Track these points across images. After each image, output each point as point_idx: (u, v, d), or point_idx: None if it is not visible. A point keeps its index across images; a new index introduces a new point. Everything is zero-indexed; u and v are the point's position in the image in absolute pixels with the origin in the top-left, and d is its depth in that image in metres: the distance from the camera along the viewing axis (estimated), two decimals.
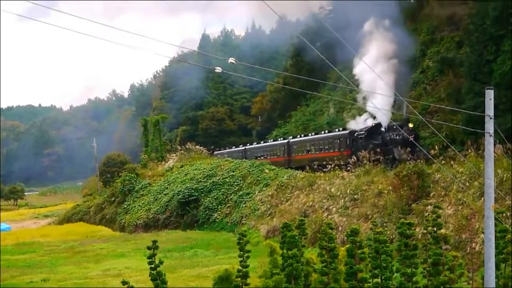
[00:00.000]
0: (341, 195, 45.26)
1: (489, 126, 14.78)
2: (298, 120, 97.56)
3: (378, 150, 51.47)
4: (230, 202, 61.28)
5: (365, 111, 62.45)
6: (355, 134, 58.01)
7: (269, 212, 53.42)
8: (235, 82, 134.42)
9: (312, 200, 48.11)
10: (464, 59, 59.34)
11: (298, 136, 75.32)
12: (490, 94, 14.86)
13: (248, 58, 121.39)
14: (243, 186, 62.13)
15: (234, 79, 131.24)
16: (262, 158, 78.79)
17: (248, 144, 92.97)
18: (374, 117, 58.46)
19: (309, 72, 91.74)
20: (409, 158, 47.29)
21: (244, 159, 77.13)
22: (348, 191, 45.09)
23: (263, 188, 59.01)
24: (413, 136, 49.08)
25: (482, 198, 24.99)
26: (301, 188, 52.79)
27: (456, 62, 62.33)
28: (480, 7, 55.28)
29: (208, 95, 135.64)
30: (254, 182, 61.76)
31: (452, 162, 39.79)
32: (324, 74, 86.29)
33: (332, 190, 47.19)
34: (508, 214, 28.51)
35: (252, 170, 64.29)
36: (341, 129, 64.26)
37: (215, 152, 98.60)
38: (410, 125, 51.61)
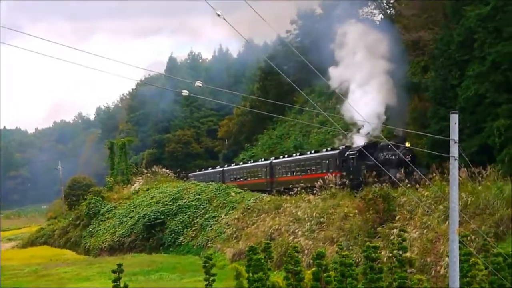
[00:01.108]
0: (307, 218, 45.28)
1: (454, 150, 14.90)
2: (265, 144, 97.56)
3: (372, 171, 48.22)
4: (196, 225, 61.08)
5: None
6: (346, 154, 54.16)
7: (235, 235, 53.31)
8: (202, 105, 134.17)
9: (278, 223, 48.07)
10: (429, 83, 59.84)
11: (281, 156, 72.01)
12: (455, 119, 15.00)
13: (215, 81, 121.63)
14: (209, 209, 61.97)
15: (201, 102, 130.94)
16: (241, 180, 76.46)
17: (226, 166, 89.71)
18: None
19: (276, 96, 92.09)
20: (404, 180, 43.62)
21: (221, 182, 77.11)
22: (314, 214, 45.14)
23: (229, 211, 58.88)
24: (410, 156, 46.74)
25: (447, 222, 25.13)
26: (267, 211, 52.74)
27: (422, 87, 62.89)
28: (445, 33, 55.92)
29: (175, 118, 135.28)
30: (221, 205, 61.65)
31: (417, 185, 40.02)
32: (291, 97, 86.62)
33: (299, 213, 47.18)
34: (473, 237, 28.69)
35: (219, 193, 64.16)
36: (329, 148, 60.76)
37: (190, 174, 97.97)
38: (407, 144, 47.91)
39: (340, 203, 44.90)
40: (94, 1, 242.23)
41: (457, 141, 15.00)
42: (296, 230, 44.71)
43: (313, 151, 64.39)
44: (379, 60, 59.57)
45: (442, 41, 56.27)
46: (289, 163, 65.71)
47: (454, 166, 14.86)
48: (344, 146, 57.19)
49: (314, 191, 51.05)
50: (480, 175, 35.99)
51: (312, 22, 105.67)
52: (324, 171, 56.24)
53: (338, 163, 54.76)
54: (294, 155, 67.69)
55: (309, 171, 60.13)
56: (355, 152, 52.62)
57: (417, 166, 43.45)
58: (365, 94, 57.38)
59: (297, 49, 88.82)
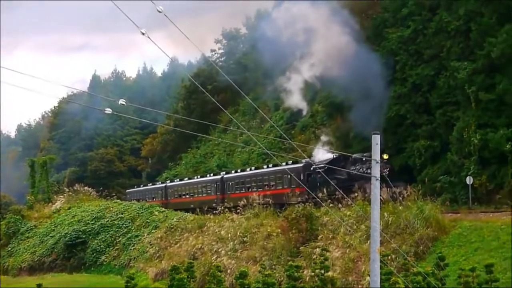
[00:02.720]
0: (230, 238, 45.17)
1: (376, 170, 15.03)
2: (189, 162, 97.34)
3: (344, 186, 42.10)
4: (118, 244, 60.38)
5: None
6: (312, 168, 49.06)
7: (158, 254, 52.89)
8: (126, 123, 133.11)
9: (201, 242, 47.87)
10: (352, 104, 60.64)
11: (233, 171, 66.76)
12: (376, 139, 15.12)
13: (139, 99, 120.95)
14: (132, 229, 61.36)
15: (124, 121, 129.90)
16: (187, 197, 71.64)
17: (168, 181, 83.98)
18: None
19: (200, 115, 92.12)
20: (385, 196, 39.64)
21: (164, 199, 75.64)
22: (237, 233, 45.05)
23: (152, 230, 58.39)
24: (387, 170, 41.64)
25: (368, 241, 25.37)
26: (191, 230, 52.48)
27: (344, 107, 63.60)
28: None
29: (98, 136, 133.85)
30: (143, 224, 61.08)
31: (340, 205, 40.33)
32: (215, 116, 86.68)
33: (222, 232, 47.02)
34: (393, 256, 29.03)
35: (142, 212, 63.57)
36: (290, 162, 54.46)
37: (128, 191, 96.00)
38: (385, 157, 41.71)
39: (264, 222, 44.91)
40: (18, 14, 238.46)
41: (379, 161, 15.15)
42: (219, 250, 44.56)
43: (271, 165, 58.83)
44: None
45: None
46: (243, 178, 60.80)
47: (375, 186, 14.99)
48: (307, 160, 50.82)
49: (238, 210, 50.83)
50: (401, 195, 36.50)
51: (237, 42, 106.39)
52: (286, 186, 52.21)
53: (302, 178, 49.57)
54: (249, 169, 62.94)
55: (267, 187, 55.31)
56: (324, 165, 46.37)
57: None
58: None
59: (221, 68, 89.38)
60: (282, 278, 32.62)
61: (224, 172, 67.73)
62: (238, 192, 59.82)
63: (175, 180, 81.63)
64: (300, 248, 38.01)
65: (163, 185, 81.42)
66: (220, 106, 21.62)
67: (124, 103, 14.07)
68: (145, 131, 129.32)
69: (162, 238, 55.31)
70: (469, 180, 41.55)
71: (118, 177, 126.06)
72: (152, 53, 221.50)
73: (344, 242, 35.85)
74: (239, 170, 65.35)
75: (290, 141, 44.75)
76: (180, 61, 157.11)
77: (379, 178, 15.08)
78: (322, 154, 51.94)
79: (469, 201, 42.14)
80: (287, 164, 53.79)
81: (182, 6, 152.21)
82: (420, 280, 20.54)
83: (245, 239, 43.96)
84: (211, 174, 71.33)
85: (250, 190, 57.15)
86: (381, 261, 15.96)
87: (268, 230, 42.81)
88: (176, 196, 75.09)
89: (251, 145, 67.47)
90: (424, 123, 49.97)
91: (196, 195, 69.27)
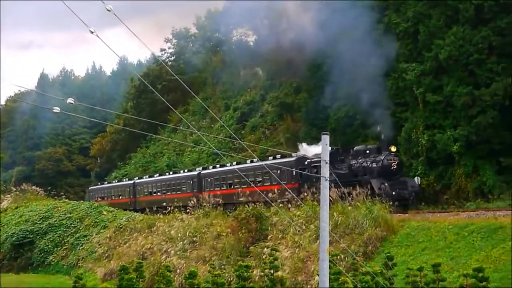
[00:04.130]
0: (180, 238, 44.98)
1: (325, 170, 15.07)
2: (138, 162, 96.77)
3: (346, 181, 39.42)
4: (66, 244, 59.83)
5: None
6: (306, 162, 45.36)
7: (106, 254, 52.55)
8: (74, 122, 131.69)
9: (151, 242, 47.62)
10: (301, 104, 61.02)
11: (211, 167, 61.74)
12: (326, 140, 15.16)
13: (89, 98, 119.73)
14: (81, 228, 60.83)
15: (73, 120, 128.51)
16: (159, 194, 67.33)
17: (136, 178, 78.54)
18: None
19: (150, 114, 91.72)
20: (394, 194, 38.43)
21: (132, 197, 73.33)
22: (187, 233, 44.87)
23: (101, 230, 57.99)
24: (396, 163, 40.32)
25: (318, 241, 25.48)
26: (140, 230, 52.20)
27: (294, 107, 63.93)
28: (316, 55, 57.05)
29: (46, 135, 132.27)
30: (92, 224, 60.61)
31: (289, 205, 40.41)
32: (165, 116, 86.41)
33: (172, 232, 46.81)
34: (342, 256, 29.19)
35: (90, 212, 63.03)
36: (279, 156, 50.22)
37: (90, 188, 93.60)
38: (393, 149, 40.84)
39: (213, 222, 44.82)
40: None
41: (328, 162, 15.20)
42: (169, 249, 44.36)
43: (255, 160, 50.35)
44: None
45: (314, 63, 57.36)
46: (225, 174, 55.76)
47: (325, 186, 15.02)
48: (297, 154, 48.35)
49: (187, 210, 50.66)
50: (350, 196, 36.71)
51: (187, 42, 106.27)
52: (275, 183, 47.04)
53: (294, 173, 45.40)
54: (230, 164, 57.57)
55: (253, 183, 49.82)
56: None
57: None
58: None
59: (171, 67, 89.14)
60: (231, 278, 32.56)
61: (201, 168, 63.65)
62: (218, 189, 55.97)
63: (145, 177, 77.09)
64: (250, 248, 38.00)
65: (131, 182, 77.06)
66: (170, 106, 21.61)
67: (72, 102, 13.95)
68: (94, 130, 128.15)
69: (111, 238, 54.95)
70: (417, 180, 41.95)
71: (67, 177, 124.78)
72: (102, 52, 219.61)
73: (293, 242, 35.90)
74: (218, 166, 60.66)
75: (240, 141, 44.51)
76: (130, 60, 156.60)
77: (328, 179, 15.11)
78: (315, 148, 47.37)
79: (417, 202, 42.46)
80: (274, 158, 50.21)
81: (133, 5, 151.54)
82: (369, 280, 20.67)
83: (194, 239, 43.81)
84: (185, 171, 67.76)
85: (232, 187, 53.72)
86: (330, 261, 16.03)
87: (218, 230, 42.74)
88: (146, 193, 71.12)
89: (201, 145, 67.22)
90: (373, 123, 50.39)
91: (169, 193, 64.94)
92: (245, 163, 52.96)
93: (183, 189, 62.39)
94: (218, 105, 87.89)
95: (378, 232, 32.57)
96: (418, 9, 45.65)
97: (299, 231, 35.86)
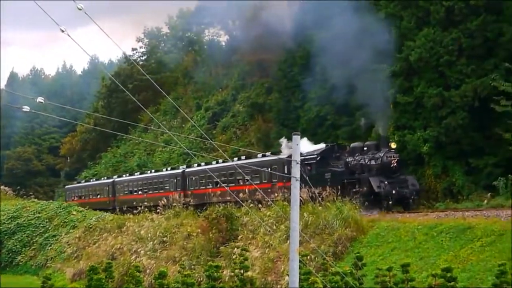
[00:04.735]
0: (150, 238, 44.83)
1: (296, 170, 15.05)
2: (108, 162, 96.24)
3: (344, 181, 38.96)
4: (35, 244, 59.48)
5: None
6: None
7: (75, 254, 52.32)
8: (44, 121, 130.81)
9: (120, 242, 47.44)
10: (273, 105, 61.19)
11: (196, 164, 58.06)
12: (297, 140, 15.15)
13: (59, 97, 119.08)
14: (50, 228, 60.49)
15: (43, 119, 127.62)
16: (140, 193, 63.98)
17: (116, 177, 74.94)
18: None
19: (121, 114, 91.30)
20: (395, 193, 36.69)
21: (110, 195, 70.16)
22: (157, 233, 44.73)
23: (71, 230, 57.69)
24: (396, 161, 38.01)
25: (288, 241, 25.51)
26: (110, 230, 51.98)
27: (266, 108, 64.07)
28: (288, 55, 57.26)
29: (15, 134, 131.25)
30: (61, 224, 60.27)
31: (260, 205, 40.42)
32: (136, 116, 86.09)
33: (142, 232, 46.64)
34: (312, 256, 29.23)
35: (59, 212, 62.67)
36: (269, 153, 47.39)
37: (67, 187, 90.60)
38: (393, 146, 38.58)
39: (184, 222, 44.70)
40: None
41: (299, 162, 15.19)
42: (139, 249, 44.20)
43: (243, 157, 51.04)
44: None
45: (285, 63, 57.62)
46: (209, 173, 50.84)
47: (295, 186, 15.00)
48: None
49: (158, 210, 50.37)
50: (320, 196, 36.77)
51: (159, 41, 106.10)
52: (265, 181, 45.29)
53: (286, 171, 40.10)
54: (214, 162, 53.89)
55: (240, 181, 47.95)
56: (315, 155, 41.81)
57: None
58: None
59: (142, 67, 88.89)
60: (201, 278, 32.51)
61: (185, 165, 61.19)
62: (203, 188, 53.39)
63: (124, 175, 73.77)
64: (220, 248, 37.96)
65: (110, 180, 73.44)
66: (141, 105, 21.50)
67: (42, 101, 13.81)
68: (64, 130, 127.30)
69: (80, 238, 54.69)
70: None
71: (36, 176, 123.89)
72: (73, 51, 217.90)
73: (263, 242, 35.90)
74: (203, 164, 56.46)
75: (211, 141, 44.45)
76: (101, 59, 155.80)
77: (298, 179, 15.11)
78: (306, 146, 43.71)
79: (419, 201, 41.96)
80: (263, 156, 46.20)
81: (105, 4, 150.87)
82: (338, 280, 20.70)
83: (164, 239, 43.69)
84: (166, 169, 64.87)
85: (218, 186, 50.22)
86: (300, 261, 16.02)
87: (188, 230, 42.65)
88: (126, 192, 67.70)
89: (172, 145, 67.02)
90: (344, 124, 50.57)
91: (151, 192, 61.66)
92: (232, 160, 50.30)
93: (166, 187, 59.44)
94: (190, 105, 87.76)
95: (348, 232, 32.64)
96: (390, 11, 45.85)
97: (269, 231, 35.86)
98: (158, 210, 50.10)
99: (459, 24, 41.49)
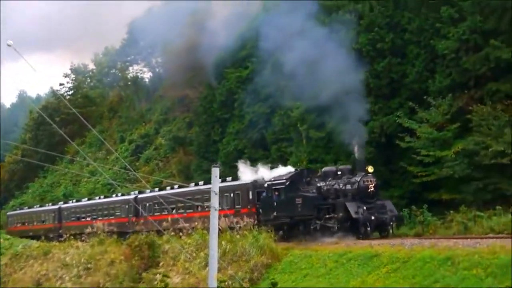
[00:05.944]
0: (75, 264, 44.14)
1: (215, 200, 15.09)
2: (35, 191, 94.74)
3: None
4: None
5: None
6: (266, 185, 38.25)
7: (2, 281, 50.96)
8: None
9: (46, 269, 46.58)
10: (193, 138, 61.33)
11: (148, 191, 51.65)
12: (216, 172, 15.21)
13: None
14: None
15: None
16: (88, 219, 58.46)
17: (62, 203, 69.63)
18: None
19: (48, 145, 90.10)
20: (373, 218, 32.63)
21: (57, 222, 64.93)
22: (82, 260, 44.08)
23: None
24: (373, 185, 33.87)
25: (207, 268, 25.44)
26: (36, 257, 50.95)
27: (187, 141, 64.20)
28: (208, 92, 57.61)
29: None
30: None
31: (181, 233, 40.23)
32: (62, 147, 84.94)
33: (67, 259, 45.91)
34: (230, 282, 29.16)
35: None
36: (230, 179, 42.70)
37: (9, 213, 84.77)
38: (370, 170, 34.42)
39: (108, 250, 44.18)
40: None
41: (218, 193, 15.21)
42: (64, 276, 43.46)
43: (201, 183, 45.57)
44: None
45: (206, 99, 57.93)
46: (166, 198, 46.24)
47: (214, 215, 15.03)
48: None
49: (83, 238, 49.67)
50: (238, 225, 36.77)
51: (85, 77, 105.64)
52: (228, 207, 40.03)
53: (251, 197, 39.39)
54: (169, 187, 50.16)
55: (200, 208, 42.63)
56: (284, 180, 37.24)
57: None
58: None
59: (69, 101, 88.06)
60: None
61: (137, 192, 54.71)
62: (158, 214, 48.44)
63: (70, 202, 68.39)
64: (142, 274, 37.64)
65: (56, 207, 68.00)
66: (67, 138, 21.23)
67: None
68: None
69: (7, 265, 53.35)
70: None
71: None
72: (2, 85, 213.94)
73: (184, 268, 35.72)
74: (156, 189, 52.38)
75: (134, 172, 44.06)
76: (29, 93, 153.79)
77: (217, 208, 15.12)
78: (273, 171, 40.21)
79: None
80: (224, 181, 40.78)
81: (36, 40, 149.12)
82: None
83: (89, 265, 43.08)
84: (118, 194, 59.40)
85: (176, 211, 46.50)
86: (218, 287, 15.99)
87: (112, 257, 42.17)
88: (73, 219, 62.44)
89: (96, 175, 66.25)
90: (260, 157, 50.77)
91: (100, 218, 56.71)
92: (189, 186, 45.85)
93: (117, 213, 54.94)
94: (114, 137, 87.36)
95: (263, 260, 32.67)
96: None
97: (189, 258, 35.69)
98: (83, 238, 49.48)
99: (367, 65, 42.16)
